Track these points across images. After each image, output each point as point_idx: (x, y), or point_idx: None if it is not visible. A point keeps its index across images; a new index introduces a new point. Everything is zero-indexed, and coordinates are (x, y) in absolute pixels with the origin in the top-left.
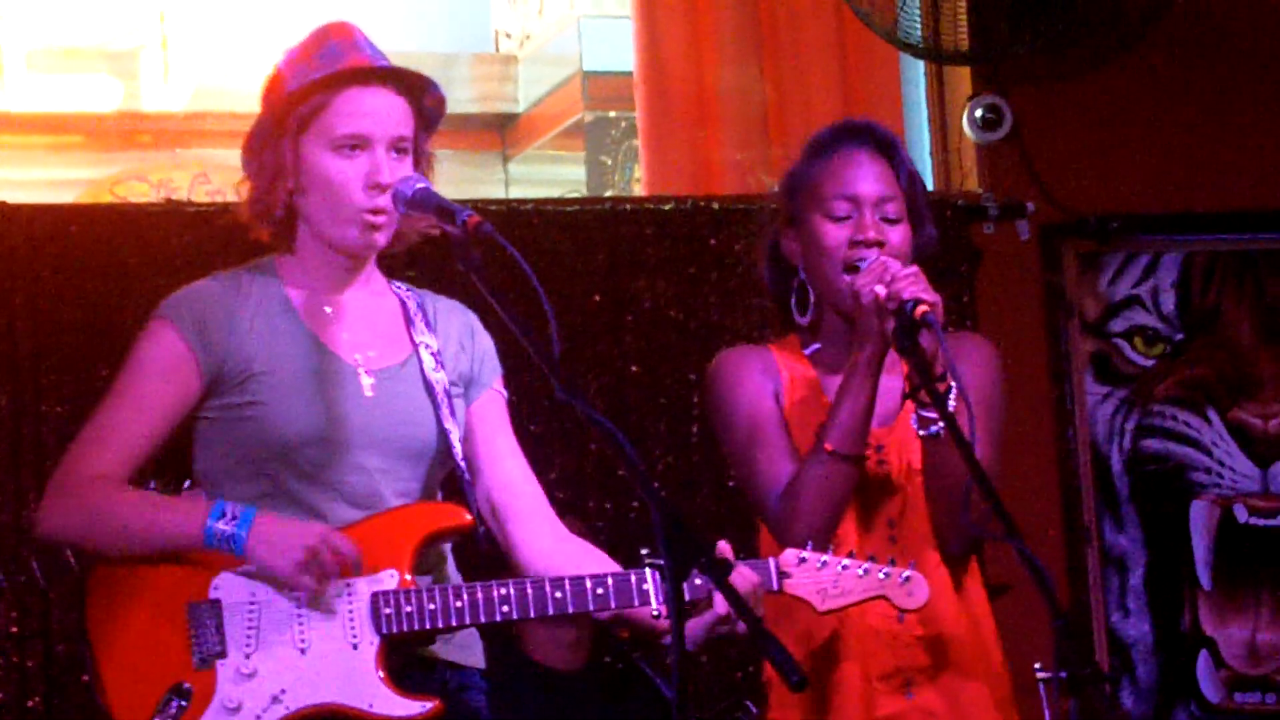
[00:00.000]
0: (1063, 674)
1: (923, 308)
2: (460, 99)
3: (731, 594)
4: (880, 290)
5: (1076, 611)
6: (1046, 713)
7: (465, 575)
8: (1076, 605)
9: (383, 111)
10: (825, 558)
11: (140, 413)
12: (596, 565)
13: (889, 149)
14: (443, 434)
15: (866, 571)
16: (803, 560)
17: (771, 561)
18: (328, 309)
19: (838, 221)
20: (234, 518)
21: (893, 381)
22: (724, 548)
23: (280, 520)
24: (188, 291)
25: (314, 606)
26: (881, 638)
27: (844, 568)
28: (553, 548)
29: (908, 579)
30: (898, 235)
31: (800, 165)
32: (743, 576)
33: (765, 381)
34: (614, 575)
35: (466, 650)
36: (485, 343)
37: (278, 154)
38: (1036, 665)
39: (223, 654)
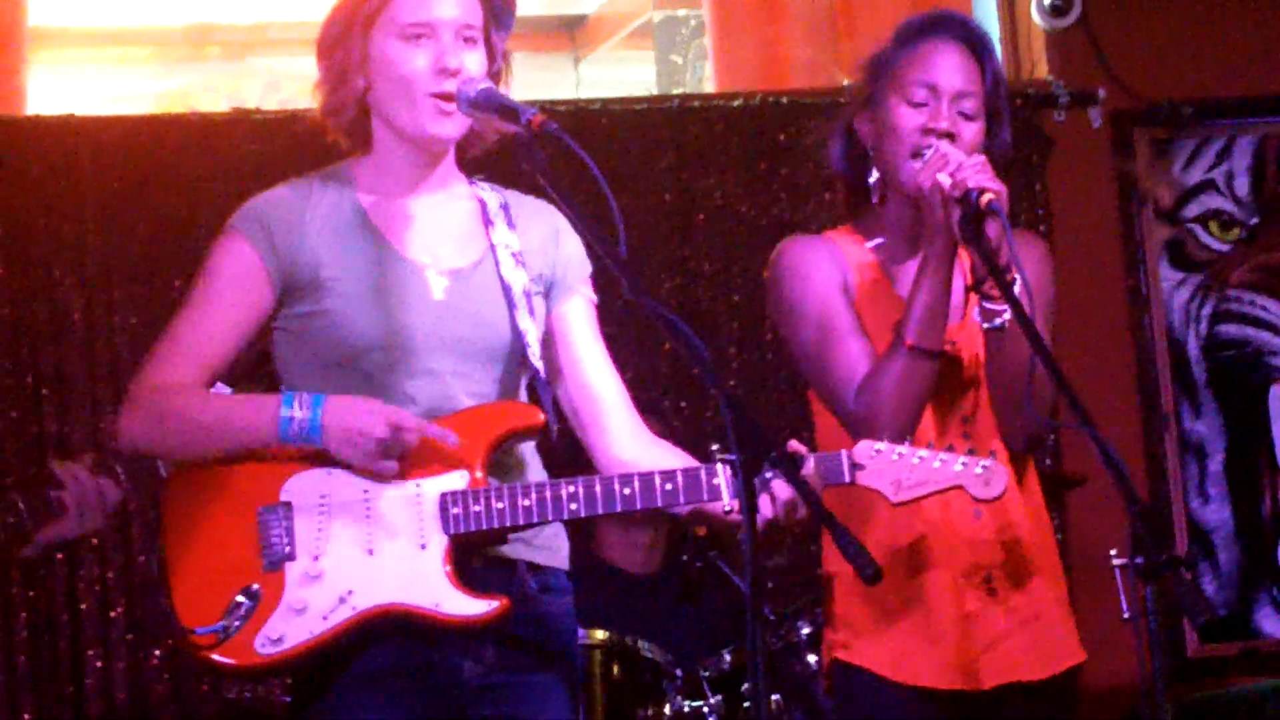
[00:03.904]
0: (1138, 560)
1: (988, 196)
2: (529, 1)
3: (803, 488)
4: (944, 180)
5: (1156, 499)
6: (1123, 599)
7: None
8: (1156, 493)
9: None
10: (901, 449)
11: (212, 323)
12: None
13: (978, 46)
14: (517, 333)
15: (943, 462)
16: (877, 452)
17: (844, 453)
18: (400, 212)
19: (914, 107)
20: (304, 408)
21: (955, 277)
22: (795, 446)
23: (349, 409)
24: (258, 201)
25: (383, 508)
26: (961, 536)
27: (920, 459)
28: (636, 452)
29: (985, 468)
30: (970, 131)
31: (887, 48)
32: (779, 488)
33: (833, 272)
34: (683, 470)
35: (551, 551)
36: (572, 245)
37: (347, 51)
38: (1112, 552)
39: (291, 556)
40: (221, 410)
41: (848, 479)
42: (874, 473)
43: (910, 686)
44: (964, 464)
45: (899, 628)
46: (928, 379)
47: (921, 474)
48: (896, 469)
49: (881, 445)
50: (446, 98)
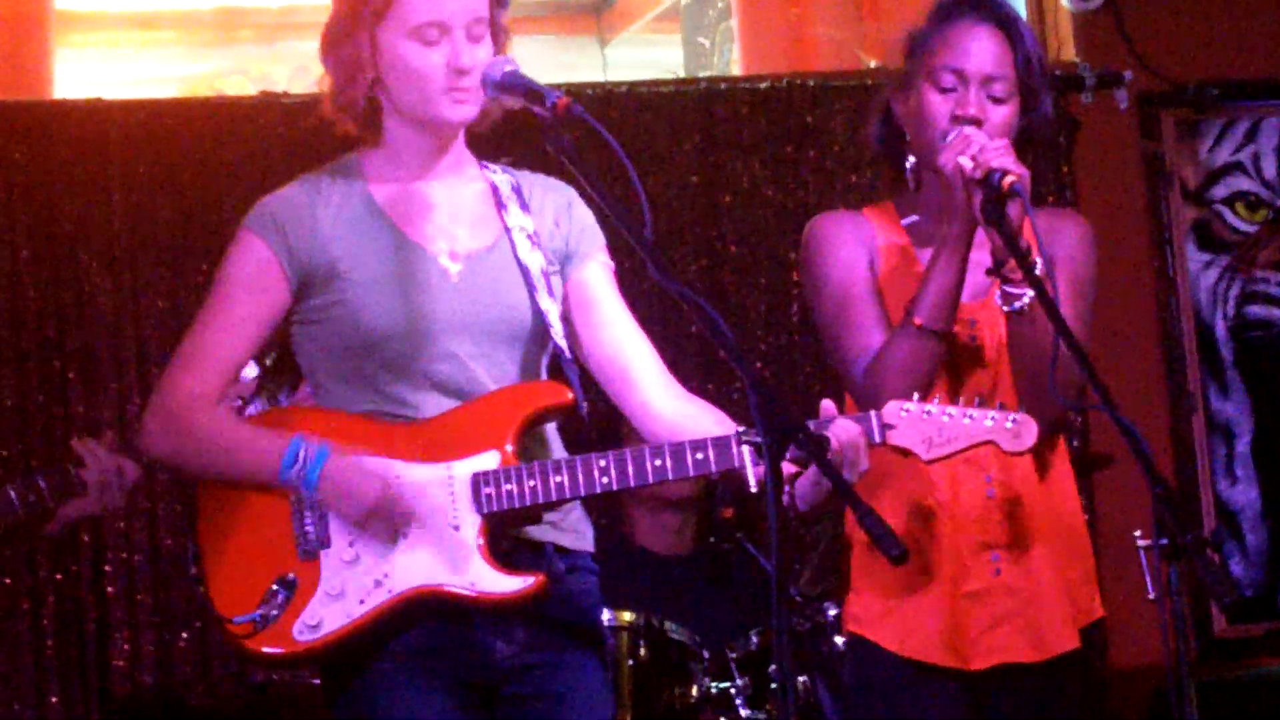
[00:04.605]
0: (1163, 541)
1: (1010, 178)
2: None
3: (829, 469)
4: (966, 163)
5: (1183, 480)
6: (1148, 580)
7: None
8: (1183, 474)
9: None
10: (930, 407)
11: (231, 326)
12: (718, 424)
13: (1010, 26)
14: (538, 314)
15: (972, 419)
16: (906, 411)
17: (874, 414)
18: (411, 199)
19: (943, 93)
20: (304, 467)
21: (985, 256)
22: (827, 406)
23: (348, 472)
24: (269, 200)
25: (415, 491)
26: (970, 514)
27: (950, 416)
28: (674, 408)
29: (1015, 422)
30: (1000, 115)
31: (920, 29)
32: (845, 428)
33: (859, 249)
34: (713, 440)
35: (576, 535)
36: (583, 216)
37: (355, 46)
38: (1136, 533)
39: (325, 543)
40: (234, 442)
41: (878, 439)
42: (904, 431)
43: (911, 661)
44: (994, 419)
45: (902, 602)
46: (933, 359)
47: (952, 430)
48: (927, 426)
49: (911, 405)
50: (459, 89)
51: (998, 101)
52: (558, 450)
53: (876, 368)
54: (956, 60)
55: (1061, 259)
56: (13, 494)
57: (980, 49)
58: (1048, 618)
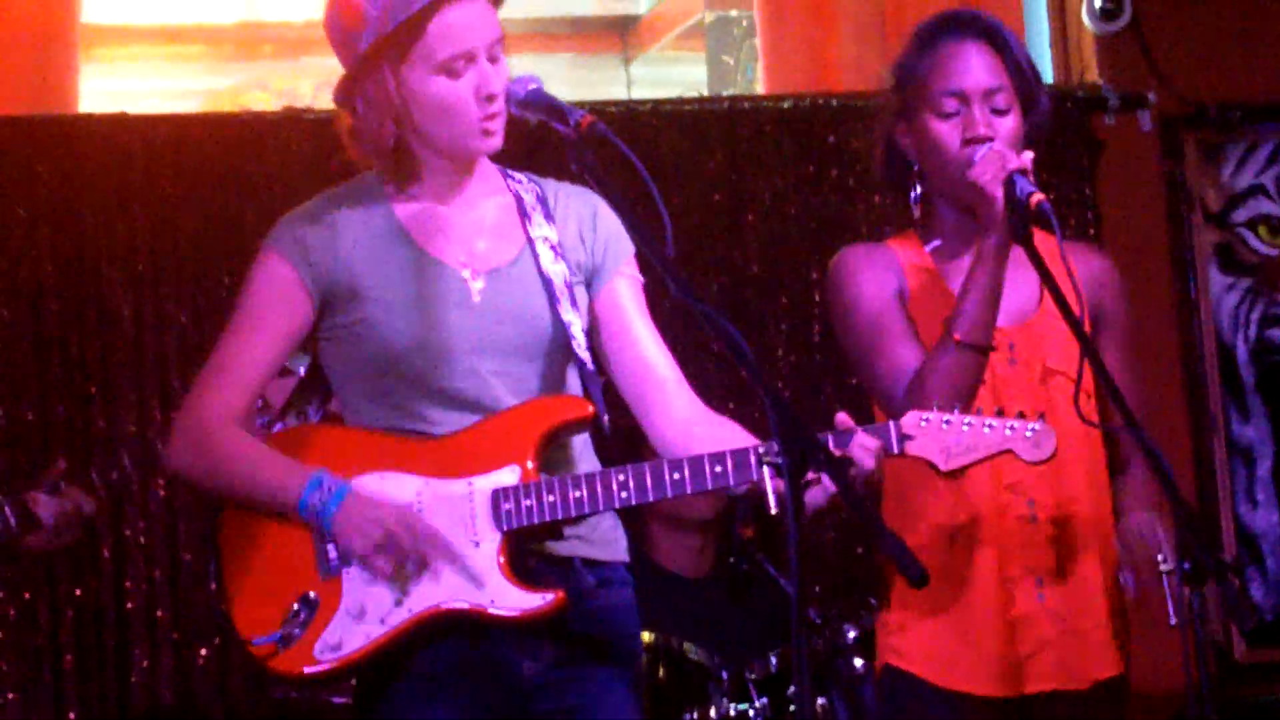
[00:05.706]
0: (1185, 565)
1: (1038, 197)
2: (581, 1)
3: (849, 491)
4: (996, 191)
5: (1203, 504)
6: (1170, 604)
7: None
8: (1203, 497)
9: (478, 21)
10: (949, 416)
11: (255, 343)
12: (743, 443)
13: (994, 37)
14: (560, 326)
15: (992, 428)
16: (926, 421)
17: (892, 424)
18: (434, 216)
19: (946, 118)
20: (327, 495)
21: (1028, 275)
22: (843, 418)
23: (363, 508)
24: (291, 218)
25: (436, 508)
26: (1015, 537)
27: (969, 425)
28: (696, 428)
29: (1034, 431)
30: (1007, 126)
31: (907, 57)
32: (860, 444)
33: (888, 277)
34: (732, 452)
35: (607, 546)
36: (610, 228)
37: (380, 87)
38: (1159, 556)
39: (347, 563)
40: (256, 469)
41: (896, 450)
42: (923, 442)
43: (952, 692)
44: (1013, 428)
45: (944, 629)
46: (974, 375)
47: (971, 439)
48: (945, 436)
49: (930, 414)
50: (491, 118)
51: (1001, 113)
52: (588, 462)
53: (918, 385)
54: (953, 83)
55: (1107, 316)
56: None
57: (975, 65)
58: (1091, 643)
